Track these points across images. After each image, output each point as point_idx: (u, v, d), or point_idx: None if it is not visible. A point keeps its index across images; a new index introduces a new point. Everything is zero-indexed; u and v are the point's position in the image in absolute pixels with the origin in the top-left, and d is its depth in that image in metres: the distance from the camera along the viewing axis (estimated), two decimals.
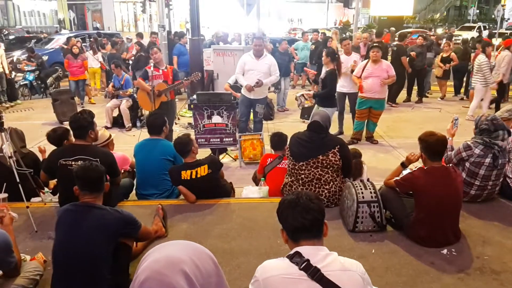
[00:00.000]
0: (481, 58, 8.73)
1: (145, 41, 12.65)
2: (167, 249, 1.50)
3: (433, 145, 3.26)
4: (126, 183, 4.27)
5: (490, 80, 8.64)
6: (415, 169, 3.48)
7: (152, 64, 6.27)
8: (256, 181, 4.77)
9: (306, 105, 6.72)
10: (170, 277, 1.38)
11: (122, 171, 4.40)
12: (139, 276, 1.44)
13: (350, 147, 4.30)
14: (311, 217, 1.86)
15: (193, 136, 4.49)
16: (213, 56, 9.47)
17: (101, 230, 2.49)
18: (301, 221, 1.86)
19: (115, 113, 8.59)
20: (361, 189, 3.52)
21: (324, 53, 6.57)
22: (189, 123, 8.14)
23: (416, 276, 2.92)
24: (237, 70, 6.71)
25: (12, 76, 11.01)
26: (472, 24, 31.41)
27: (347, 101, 7.74)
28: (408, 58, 9.95)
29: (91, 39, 14.10)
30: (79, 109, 7.90)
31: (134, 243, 2.95)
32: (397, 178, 3.52)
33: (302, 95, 6.52)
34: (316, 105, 6.57)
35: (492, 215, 3.78)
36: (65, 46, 12.66)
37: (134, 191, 4.41)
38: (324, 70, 6.74)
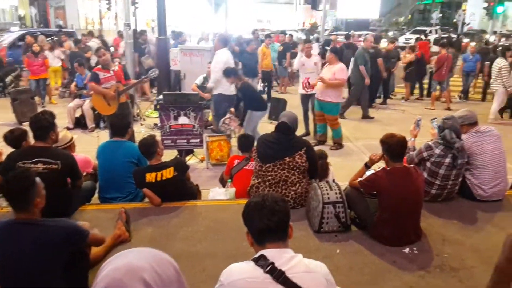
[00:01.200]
0: (500, 62, 8.73)
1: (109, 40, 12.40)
2: (127, 256, 1.48)
3: (393, 146, 3.35)
4: (88, 186, 4.15)
5: (508, 85, 8.63)
6: (379, 169, 3.55)
7: (100, 66, 6.14)
8: (223, 182, 4.75)
9: (232, 128, 6.58)
10: (129, 285, 1.36)
11: (84, 174, 4.27)
12: (98, 284, 1.41)
13: (316, 148, 4.34)
14: (276, 219, 1.85)
15: (159, 137, 4.42)
16: (180, 56, 9.36)
17: (43, 247, 2.32)
18: (267, 223, 1.85)
19: (78, 113, 8.34)
20: (326, 190, 3.56)
21: (223, 74, 6.42)
22: (155, 124, 8.01)
23: (379, 274, 2.98)
24: None
25: None
26: (424, 28, 32.12)
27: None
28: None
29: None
30: (39, 109, 7.63)
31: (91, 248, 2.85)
32: (361, 178, 3.59)
33: (226, 119, 6.47)
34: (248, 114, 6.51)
35: (451, 214, 3.90)
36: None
37: (96, 195, 4.29)
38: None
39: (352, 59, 9.49)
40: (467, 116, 4.24)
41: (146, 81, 6.68)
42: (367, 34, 14.08)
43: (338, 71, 6.88)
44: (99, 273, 1.46)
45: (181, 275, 1.53)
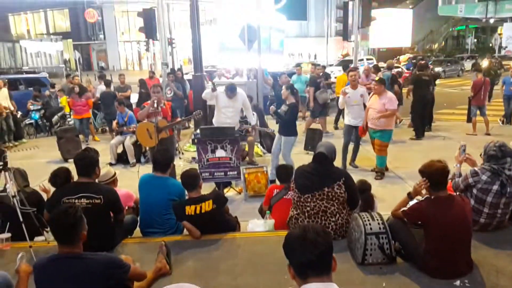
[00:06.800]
0: None
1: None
2: None
3: (433, 175, 3.25)
4: (129, 220, 4.22)
5: None
6: (422, 199, 3.43)
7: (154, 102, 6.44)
8: (262, 213, 4.72)
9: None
10: None
11: (126, 208, 4.35)
12: None
13: (357, 178, 4.22)
14: (318, 252, 1.80)
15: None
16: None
17: (85, 281, 2.37)
18: (309, 257, 1.79)
19: (119, 150, 8.63)
20: (368, 220, 3.46)
21: (284, 87, 6.78)
22: (193, 158, 8.14)
23: None
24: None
25: (18, 116, 11.16)
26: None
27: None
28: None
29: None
30: (83, 146, 7.94)
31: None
32: (404, 208, 3.47)
33: None
34: (278, 134, 6.83)
35: (504, 244, 3.69)
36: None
37: (138, 228, 4.35)
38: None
39: None
40: None
41: (188, 121, 7.00)
42: None
43: (388, 102, 6.71)
44: None
45: None
